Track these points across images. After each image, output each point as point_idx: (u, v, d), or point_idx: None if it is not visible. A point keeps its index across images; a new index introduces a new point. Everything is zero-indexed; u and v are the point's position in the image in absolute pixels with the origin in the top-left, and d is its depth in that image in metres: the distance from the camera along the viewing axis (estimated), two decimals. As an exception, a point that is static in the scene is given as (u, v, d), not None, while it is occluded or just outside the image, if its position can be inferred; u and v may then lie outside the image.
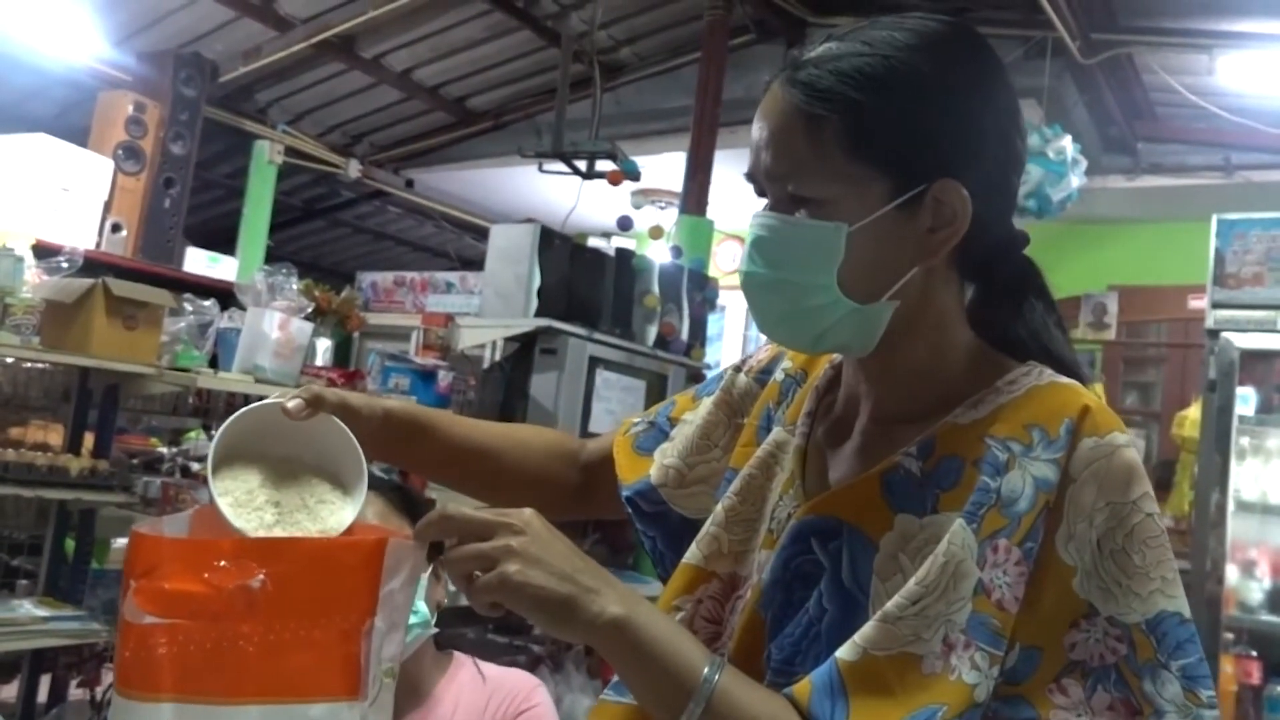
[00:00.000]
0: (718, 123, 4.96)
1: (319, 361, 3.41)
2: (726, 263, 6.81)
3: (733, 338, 7.22)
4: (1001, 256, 0.88)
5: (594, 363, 3.47)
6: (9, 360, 2.84)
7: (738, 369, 1.07)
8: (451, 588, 1.63)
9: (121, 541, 3.02)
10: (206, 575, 0.70)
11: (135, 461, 3.30)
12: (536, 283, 3.44)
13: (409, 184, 7.81)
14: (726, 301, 5.18)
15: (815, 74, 0.80)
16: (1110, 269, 6.38)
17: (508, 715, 1.58)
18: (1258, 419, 3.63)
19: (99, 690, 3.22)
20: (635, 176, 4.44)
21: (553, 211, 5.04)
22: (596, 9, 5.28)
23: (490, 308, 3.55)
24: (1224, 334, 3.56)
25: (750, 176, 0.86)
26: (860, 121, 0.79)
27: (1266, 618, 3.49)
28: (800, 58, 0.83)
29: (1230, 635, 3.46)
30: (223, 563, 0.70)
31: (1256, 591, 3.53)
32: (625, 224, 4.29)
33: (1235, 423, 3.53)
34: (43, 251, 2.88)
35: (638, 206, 6.15)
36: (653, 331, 3.87)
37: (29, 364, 2.91)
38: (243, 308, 2.95)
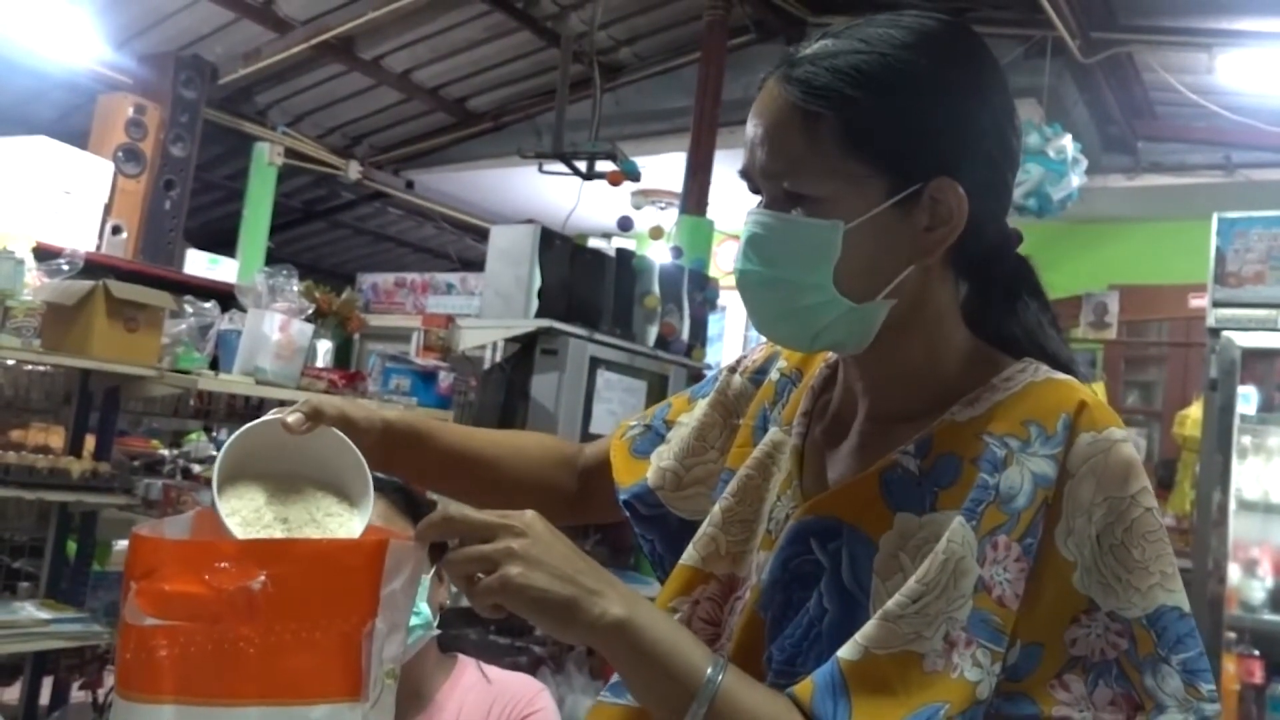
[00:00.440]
0: (717, 123, 4.97)
1: (319, 363, 3.41)
2: (727, 263, 6.80)
3: (733, 338, 7.22)
4: (996, 254, 0.88)
5: (595, 363, 3.47)
6: (10, 363, 2.84)
7: (732, 370, 1.07)
8: (454, 589, 1.63)
9: (123, 544, 3.02)
10: (207, 577, 0.70)
11: (136, 464, 3.31)
12: (537, 284, 3.44)
13: (409, 185, 7.82)
14: (727, 302, 5.17)
15: (811, 71, 0.80)
16: (1111, 268, 6.38)
17: (511, 719, 1.58)
18: (1259, 418, 3.64)
19: (101, 692, 3.22)
20: (635, 177, 4.44)
21: (553, 212, 5.04)
22: (596, 9, 5.28)
23: (491, 309, 3.56)
24: (1225, 333, 3.55)
25: (745, 173, 0.86)
26: (857, 119, 0.79)
27: (1269, 617, 3.49)
28: (796, 54, 0.82)
29: (1232, 634, 3.46)
30: (224, 564, 0.70)
31: (1259, 590, 3.53)
32: (625, 224, 4.29)
33: (1237, 422, 3.53)
34: (43, 254, 2.89)
35: (638, 207, 6.15)
36: (653, 332, 3.87)
37: (30, 366, 2.91)
38: (243, 310, 2.95)
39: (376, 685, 0.74)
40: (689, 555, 0.92)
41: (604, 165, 4.48)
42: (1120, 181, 5.71)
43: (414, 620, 1.43)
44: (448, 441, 1.03)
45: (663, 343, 3.86)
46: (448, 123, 7.23)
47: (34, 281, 2.70)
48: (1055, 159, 4.37)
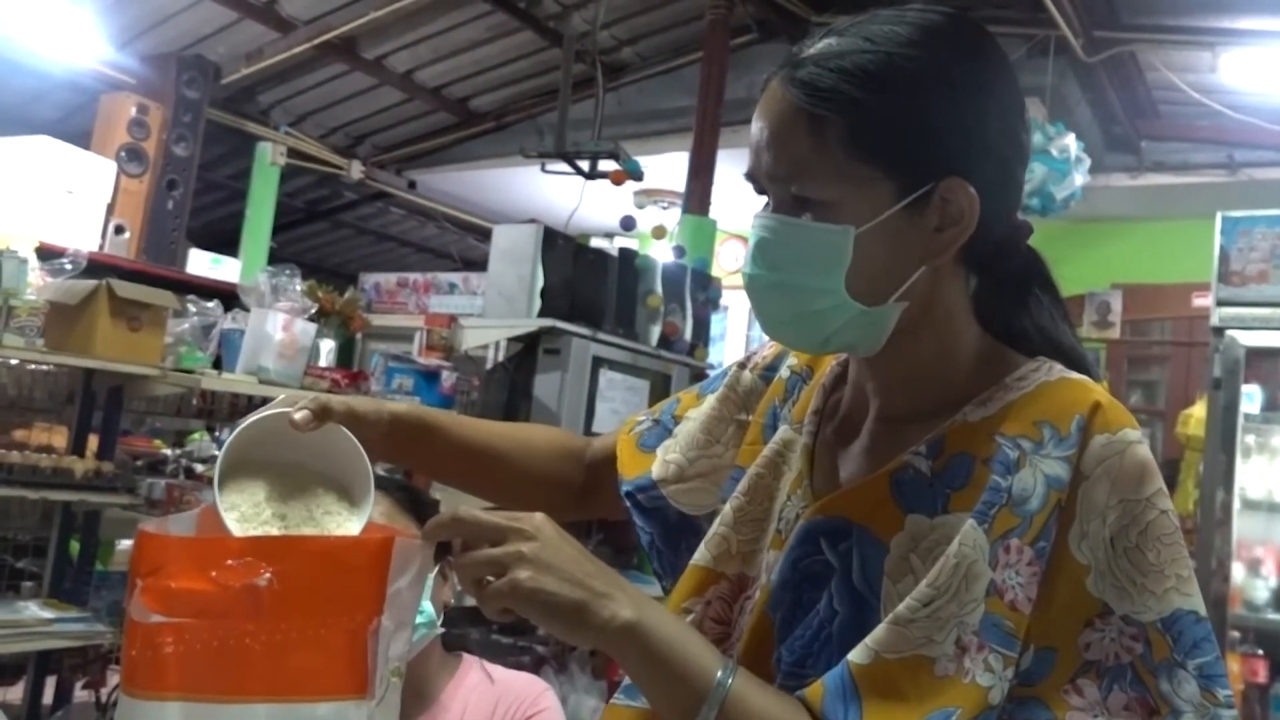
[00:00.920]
0: (720, 122, 4.96)
1: (322, 363, 3.40)
2: (729, 262, 6.81)
3: (736, 337, 7.22)
4: (1007, 249, 0.87)
5: (597, 363, 3.47)
6: (13, 362, 2.84)
7: (742, 365, 1.06)
8: (458, 588, 1.63)
9: (126, 543, 3.02)
10: (213, 574, 0.69)
11: (139, 463, 3.30)
12: (539, 283, 3.44)
13: (411, 185, 7.82)
14: (730, 301, 5.17)
15: (816, 72, 0.78)
16: (1114, 267, 6.37)
17: (516, 719, 1.58)
18: (1263, 417, 3.63)
19: (104, 692, 3.22)
20: (638, 176, 4.44)
21: (555, 212, 5.04)
22: (598, 9, 5.27)
23: (493, 308, 3.55)
24: (1229, 331, 3.55)
25: (750, 176, 0.84)
26: (863, 121, 0.77)
27: (1272, 616, 3.48)
28: (800, 54, 0.81)
29: (1236, 634, 3.46)
30: (229, 561, 0.70)
31: (1262, 590, 3.53)
32: (628, 224, 4.29)
33: (1240, 421, 3.53)
34: (46, 253, 2.89)
35: (640, 206, 6.15)
36: (656, 331, 3.87)
37: (33, 366, 2.91)
38: (246, 309, 2.94)
39: (382, 683, 0.73)
40: (701, 555, 0.91)
41: (606, 165, 4.47)
42: (1123, 180, 5.70)
43: (418, 619, 1.43)
44: (455, 434, 1.02)
45: (665, 342, 3.86)
46: (450, 122, 7.23)
47: (37, 281, 2.70)
48: (1058, 158, 4.37)
